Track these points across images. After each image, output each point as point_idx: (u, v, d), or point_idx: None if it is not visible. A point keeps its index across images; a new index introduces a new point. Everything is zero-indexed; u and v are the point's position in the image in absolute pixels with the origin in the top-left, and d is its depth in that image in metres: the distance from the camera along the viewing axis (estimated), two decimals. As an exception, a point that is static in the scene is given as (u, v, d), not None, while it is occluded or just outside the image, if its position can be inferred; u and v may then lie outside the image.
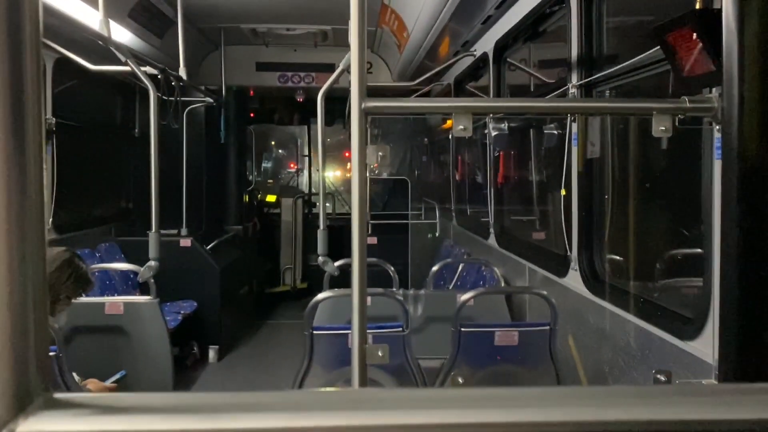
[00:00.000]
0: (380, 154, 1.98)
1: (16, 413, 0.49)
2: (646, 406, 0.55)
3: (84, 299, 4.61)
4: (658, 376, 2.14)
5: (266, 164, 11.54)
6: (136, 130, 7.16)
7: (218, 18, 6.48)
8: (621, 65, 2.89)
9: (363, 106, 1.73)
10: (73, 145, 5.88)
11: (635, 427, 0.55)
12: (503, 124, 4.46)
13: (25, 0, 0.50)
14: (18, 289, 0.49)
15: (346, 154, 10.69)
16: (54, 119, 5.26)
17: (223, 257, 6.66)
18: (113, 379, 3.44)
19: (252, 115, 9.44)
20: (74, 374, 3.11)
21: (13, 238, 0.49)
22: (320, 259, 4.18)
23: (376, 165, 9.21)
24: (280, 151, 11.82)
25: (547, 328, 3.18)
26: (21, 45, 0.49)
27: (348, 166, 11.07)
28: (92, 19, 3.73)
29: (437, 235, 7.66)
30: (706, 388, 1.07)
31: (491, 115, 4.53)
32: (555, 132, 3.81)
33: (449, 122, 7.37)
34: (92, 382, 3.13)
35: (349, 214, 1.69)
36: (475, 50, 5.56)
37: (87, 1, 4.11)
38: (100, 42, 3.75)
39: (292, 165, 11.65)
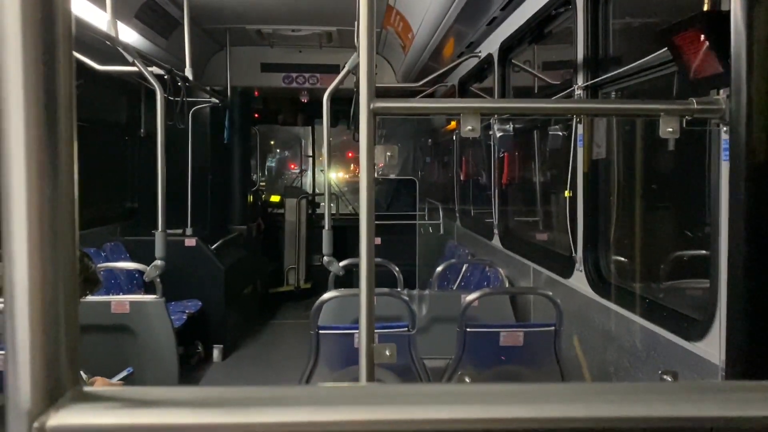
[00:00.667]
0: (388, 154, 2.00)
1: (47, 406, 0.50)
2: (655, 402, 0.56)
3: (90, 298, 4.63)
4: (665, 376, 2.15)
5: (270, 164, 11.57)
6: (142, 130, 7.19)
7: (224, 19, 6.50)
8: (627, 66, 2.89)
9: (372, 106, 1.74)
10: (80, 145, 5.86)
11: (643, 424, 0.56)
12: (508, 125, 4.47)
13: (59, 6, 0.51)
14: (50, 285, 0.51)
15: (349, 155, 10.67)
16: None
17: (228, 257, 6.68)
18: (120, 376, 3.46)
19: (257, 115, 9.46)
20: (81, 372, 3.12)
21: (45, 235, 0.50)
22: (325, 259, 4.19)
23: (381, 164, 9.21)
24: (284, 152, 11.84)
25: (552, 328, 3.18)
26: (54, 49, 0.51)
27: (352, 168, 11.08)
28: (100, 19, 3.76)
29: (441, 234, 7.66)
30: (714, 385, 1.08)
31: (496, 116, 4.53)
32: (560, 133, 3.82)
33: (453, 123, 7.38)
34: (99, 381, 3.14)
35: (353, 214, 1.71)
36: (480, 51, 5.56)
37: (95, 2, 4.13)
38: (108, 42, 3.77)
39: (292, 165, 11.62)
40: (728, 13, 1.62)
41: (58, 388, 0.51)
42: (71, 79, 0.52)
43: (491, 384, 0.60)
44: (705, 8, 1.99)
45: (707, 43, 1.92)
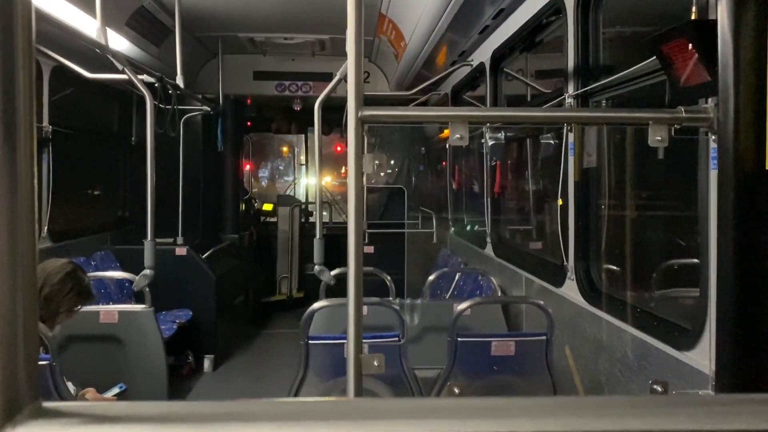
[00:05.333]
0: (377, 162, 1.99)
1: (4, 423, 0.48)
2: (643, 416, 0.55)
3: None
4: (655, 386, 2.13)
5: (263, 173, 11.53)
6: (133, 138, 7.16)
7: (216, 27, 6.50)
8: (617, 75, 2.90)
9: (360, 114, 1.73)
10: (70, 153, 5.87)
11: (634, 438, 0.55)
12: (500, 134, 4.47)
13: (18, 6, 0.50)
14: (7, 298, 0.49)
15: (338, 149, 10.49)
16: (51, 127, 5.25)
17: (219, 266, 6.64)
18: (112, 392, 3.41)
19: (249, 123, 9.45)
20: (70, 384, 3.08)
21: (3, 247, 0.49)
22: (316, 268, 4.17)
23: (378, 173, 9.19)
24: (277, 160, 11.81)
25: (544, 338, 3.17)
26: (13, 51, 0.49)
27: (343, 170, 11.04)
28: (90, 27, 3.74)
29: (434, 242, 7.65)
30: (702, 398, 1.06)
31: (488, 125, 4.54)
32: (551, 142, 3.82)
33: (446, 132, 7.39)
34: (90, 392, 3.10)
35: (346, 223, 1.69)
36: (472, 60, 5.58)
37: (85, 10, 4.12)
38: (98, 50, 3.75)
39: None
40: (715, 22, 1.62)
41: (15, 404, 0.49)
42: (31, 81, 0.50)
43: (480, 398, 0.58)
44: (693, 17, 2.00)
45: (695, 52, 1.92)
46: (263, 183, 11.54)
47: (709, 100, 1.93)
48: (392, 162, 10.87)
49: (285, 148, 11.28)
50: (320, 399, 0.60)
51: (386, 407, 0.58)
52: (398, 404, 0.60)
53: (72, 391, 3.07)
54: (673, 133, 1.90)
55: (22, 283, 0.49)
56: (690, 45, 1.93)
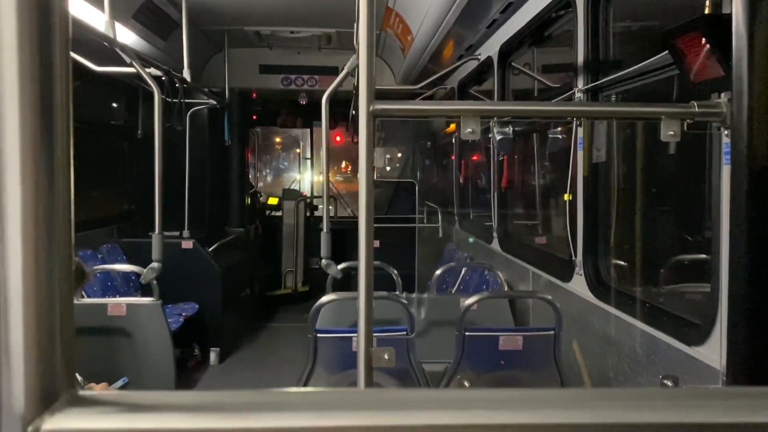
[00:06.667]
0: (388, 156, 1.99)
1: (42, 410, 0.49)
2: (654, 408, 0.55)
3: (86, 300, 4.61)
4: (665, 381, 2.14)
5: (268, 167, 11.53)
6: (140, 132, 7.17)
7: (222, 20, 6.50)
8: (628, 69, 2.89)
9: (371, 108, 1.73)
10: (77, 146, 5.86)
11: (644, 430, 0.55)
12: (508, 128, 4.46)
13: (56, 7, 0.50)
14: (45, 286, 0.49)
15: (337, 138, 10.40)
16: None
17: (225, 259, 6.66)
18: (116, 386, 3.44)
19: (255, 117, 9.45)
20: (77, 375, 3.10)
21: (41, 236, 0.49)
22: (323, 261, 4.18)
23: (386, 167, 9.15)
24: (282, 153, 11.82)
25: (552, 333, 3.17)
26: (51, 51, 0.50)
27: (343, 165, 11.02)
28: (98, 20, 3.74)
29: (440, 237, 7.66)
30: (714, 391, 1.06)
31: (495, 119, 4.53)
32: (560, 136, 3.81)
33: (452, 126, 7.37)
34: (96, 387, 3.12)
35: (351, 217, 1.70)
36: (479, 54, 5.56)
37: (92, 3, 4.12)
38: (106, 43, 3.76)
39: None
40: (729, 16, 1.62)
41: (52, 391, 0.49)
42: (68, 82, 0.51)
43: (490, 389, 0.59)
44: (706, 11, 1.99)
45: (708, 46, 1.91)
46: (268, 177, 11.55)
47: (722, 94, 1.93)
48: (398, 156, 10.87)
49: (289, 142, 11.28)
50: (332, 389, 0.61)
51: (398, 397, 0.58)
52: (410, 395, 0.60)
53: (79, 382, 3.09)
54: (685, 128, 1.90)
55: (59, 272, 0.50)
56: (703, 39, 1.92)
